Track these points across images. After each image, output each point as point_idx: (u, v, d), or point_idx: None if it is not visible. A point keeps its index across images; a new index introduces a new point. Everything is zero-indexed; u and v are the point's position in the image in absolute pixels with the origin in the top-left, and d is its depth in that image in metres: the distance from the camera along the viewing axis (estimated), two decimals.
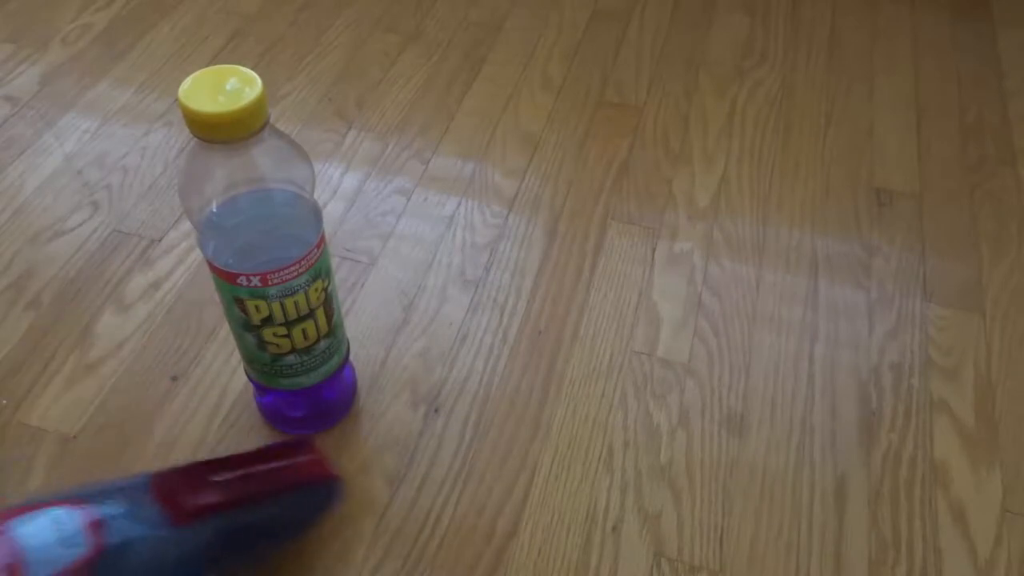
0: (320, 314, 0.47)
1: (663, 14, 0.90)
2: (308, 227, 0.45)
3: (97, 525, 0.38)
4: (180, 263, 0.65)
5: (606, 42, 0.87)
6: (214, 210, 0.42)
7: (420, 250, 0.67)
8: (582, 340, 0.61)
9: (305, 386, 0.51)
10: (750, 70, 0.84)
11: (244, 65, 0.40)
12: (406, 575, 0.49)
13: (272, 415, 0.55)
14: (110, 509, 0.40)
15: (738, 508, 0.52)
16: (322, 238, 0.45)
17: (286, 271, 0.44)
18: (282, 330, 0.46)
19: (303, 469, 0.48)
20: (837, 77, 0.83)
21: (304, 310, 0.46)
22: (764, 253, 0.67)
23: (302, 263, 0.44)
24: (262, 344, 0.47)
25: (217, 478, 0.45)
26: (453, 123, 0.78)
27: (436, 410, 0.57)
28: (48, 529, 0.38)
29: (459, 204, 0.70)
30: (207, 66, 0.40)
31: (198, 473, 0.45)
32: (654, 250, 0.67)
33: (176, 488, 0.43)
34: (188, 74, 0.39)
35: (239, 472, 0.46)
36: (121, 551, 0.39)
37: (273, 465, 0.47)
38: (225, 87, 0.39)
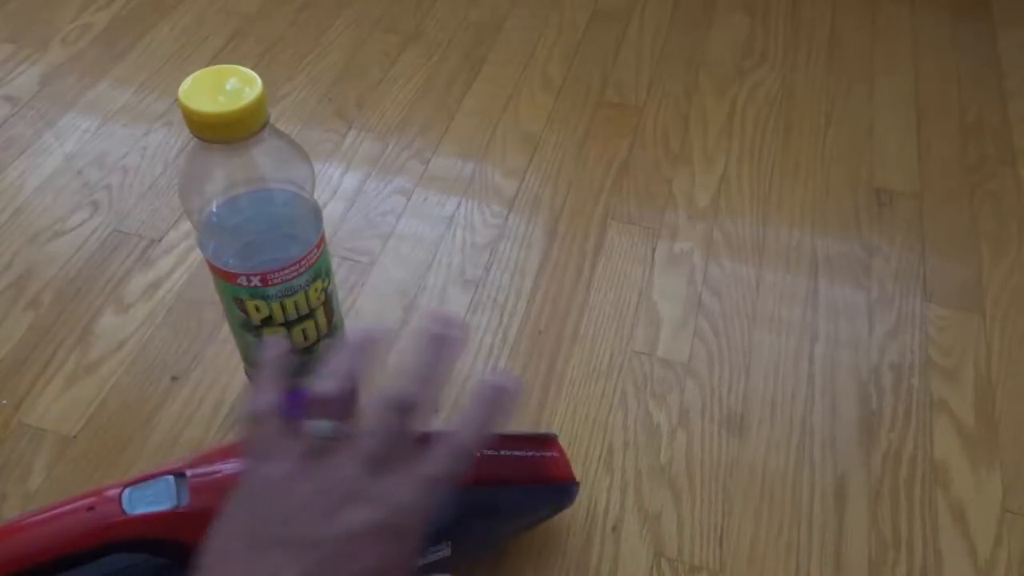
0: (320, 314, 0.47)
1: (663, 14, 0.90)
2: (308, 227, 0.45)
3: None
4: (180, 263, 0.65)
5: (606, 42, 0.87)
6: (214, 210, 0.42)
7: (420, 250, 0.67)
8: (582, 340, 0.61)
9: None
10: (750, 70, 0.84)
11: (244, 65, 0.40)
12: None
13: None
14: None
15: (738, 508, 0.52)
16: (322, 238, 0.45)
17: (286, 271, 0.44)
18: (282, 330, 0.46)
19: (551, 465, 0.48)
20: (837, 77, 0.83)
21: (304, 310, 0.46)
22: (764, 253, 0.67)
23: (302, 263, 0.44)
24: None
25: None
26: (453, 123, 0.78)
27: (436, 410, 0.57)
28: None
29: (459, 204, 0.70)
30: (207, 66, 0.40)
31: None
32: (654, 250, 0.67)
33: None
34: (188, 74, 0.39)
35: (495, 452, 0.46)
36: None
37: (526, 454, 0.47)
38: (225, 87, 0.39)
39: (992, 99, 0.81)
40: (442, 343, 0.37)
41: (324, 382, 0.36)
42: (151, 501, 0.39)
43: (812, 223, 0.69)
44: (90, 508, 0.38)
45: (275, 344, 0.39)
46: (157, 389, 0.57)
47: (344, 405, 0.36)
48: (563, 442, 0.54)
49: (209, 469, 0.41)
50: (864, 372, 0.59)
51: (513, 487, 0.46)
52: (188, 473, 0.40)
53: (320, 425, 0.35)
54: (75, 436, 0.55)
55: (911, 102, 0.81)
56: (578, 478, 0.51)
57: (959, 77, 0.83)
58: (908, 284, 0.65)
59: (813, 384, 0.59)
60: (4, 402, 0.56)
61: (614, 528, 0.51)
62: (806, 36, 0.88)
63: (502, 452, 0.46)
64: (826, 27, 0.89)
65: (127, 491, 0.39)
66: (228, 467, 0.41)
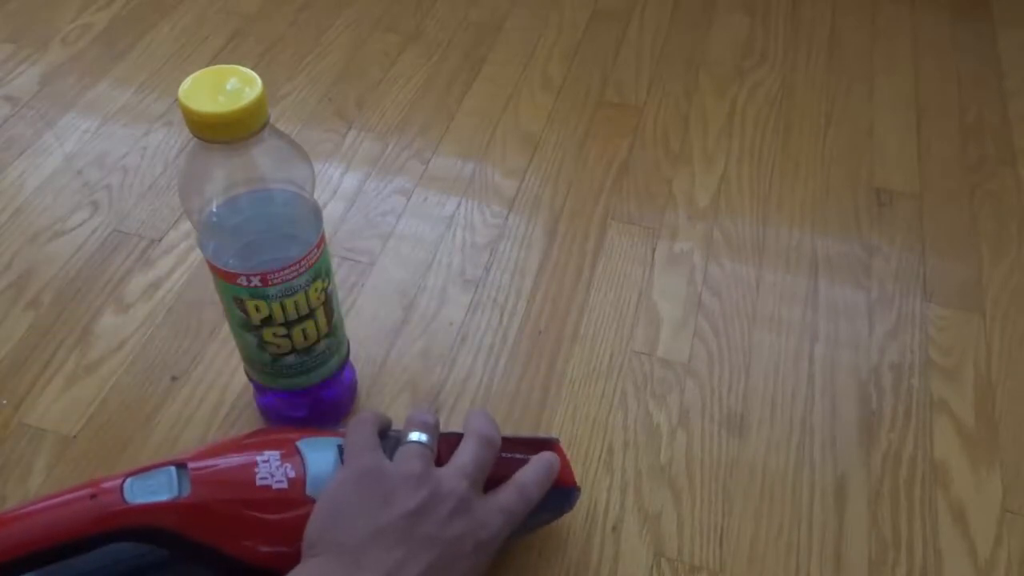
0: (320, 314, 0.47)
1: (663, 14, 0.90)
2: (308, 227, 0.45)
3: None
4: (180, 263, 0.65)
5: (606, 42, 0.87)
6: (214, 210, 0.42)
7: (420, 250, 0.67)
8: (582, 340, 0.61)
9: (305, 386, 0.51)
10: (750, 70, 0.84)
11: (244, 65, 0.40)
12: None
13: (272, 415, 0.55)
14: None
15: (738, 508, 0.52)
16: (322, 238, 0.45)
17: (286, 271, 0.44)
18: (282, 330, 0.46)
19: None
20: (837, 77, 0.83)
21: (304, 310, 0.46)
22: (764, 253, 0.67)
23: (302, 263, 0.44)
24: (262, 344, 0.47)
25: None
26: (453, 123, 0.78)
27: (436, 410, 0.57)
28: (332, 459, 0.43)
29: (459, 204, 0.70)
30: (207, 66, 0.40)
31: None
32: (654, 250, 0.67)
33: (440, 455, 0.44)
34: (188, 74, 0.39)
35: (501, 455, 0.45)
36: None
37: (529, 457, 0.47)
38: (225, 87, 0.39)
39: (992, 99, 0.81)
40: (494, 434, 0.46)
41: (426, 413, 0.45)
42: (152, 491, 0.39)
43: (812, 223, 0.69)
44: (92, 496, 0.39)
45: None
46: (157, 389, 0.57)
47: (435, 429, 0.45)
48: (563, 442, 0.54)
49: (211, 462, 0.41)
50: (864, 372, 0.59)
51: None
52: (190, 465, 0.40)
53: (421, 435, 0.43)
54: (75, 436, 0.55)
55: (911, 102, 0.81)
56: (578, 478, 0.51)
57: (959, 77, 0.83)
58: (908, 284, 0.65)
59: (813, 384, 0.59)
60: (4, 402, 0.56)
61: (614, 528, 0.51)
62: (806, 36, 0.88)
63: (504, 455, 0.46)
64: (826, 27, 0.89)
65: (128, 480, 0.39)
66: (230, 461, 0.42)
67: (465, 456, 0.43)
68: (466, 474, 0.42)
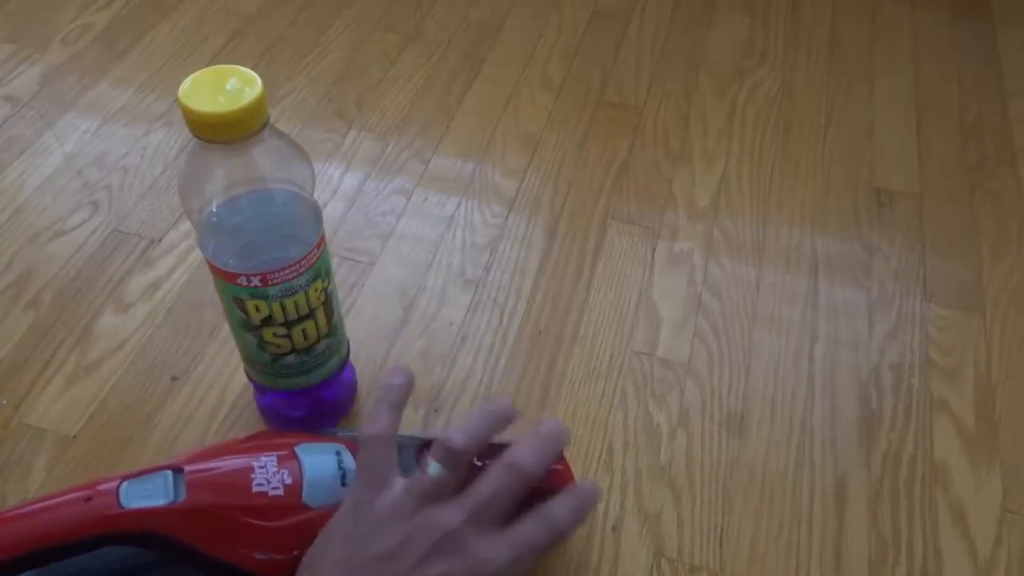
0: (320, 314, 0.47)
1: (663, 14, 0.90)
2: (308, 227, 0.45)
3: None
4: (180, 263, 0.65)
5: (606, 42, 0.87)
6: (214, 210, 0.42)
7: (420, 250, 0.67)
8: (582, 340, 0.61)
9: (305, 386, 0.51)
10: (750, 70, 0.84)
11: (244, 65, 0.40)
12: None
13: (272, 415, 0.55)
14: None
15: (738, 508, 0.52)
16: (322, 238, 0.45)
17: (286, 271, 0.44)
18: (282, 330, 0.46)
19: (556, 478, 0.47)
20: (837, 77, 0.83)
21: (304, 310, 0.46)
22: (764, 253, 0.67)
23: (302, 263, 0.44)
24: (262, 344, 0.47)
25: (479, 462, 0.43)
26: (453, 123, 0.78)
27: (436, 410, 0.57)
28: (330, 466, 0.42)
29: (459, 204, 0.70)
30: (207, 66, 0.40)
31: None
32: (654, 250, 0.67)
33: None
34: (188, 74, 0.39)
35: (490, 444, 0.44)
36: None
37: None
38: (225, 87, 0.39)
39: (992, 99, 0.81)
40: (556, 441, 0.42)
41: (457, 434, 0.41)
42: (147, 495, 0.39)
43: (812, 223, 0.69)
44: (87, 499, 0.39)
45: (399, 373, 0.44)
46: (157, 389, 0.57)
47: (463, 459, 0.40)
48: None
49: (207, 466, 0.41)
50: (864, 372, 0.59)
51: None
52: (186, 469, 0.40)
53: (435, 466, 0.40)
54: (75, 436, 0.55)
55: (911, 102, 0.81)
56: (578, 479, 0.51)
57: (959, 77, 0.83)
58: (908, 284, 0.65)
59: (813, 384, 0.59)
60: (4, 402, 0.56)
61: (614, 528, 0.51)
62: (806, 36, 0.88)
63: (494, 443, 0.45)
64: (826, 27, 0.89)
65: (124, 484, 0.39)
66: (226, 465, 0.42)
67: (478, 486, 0.40)
68: (467, 508, 0.39)
